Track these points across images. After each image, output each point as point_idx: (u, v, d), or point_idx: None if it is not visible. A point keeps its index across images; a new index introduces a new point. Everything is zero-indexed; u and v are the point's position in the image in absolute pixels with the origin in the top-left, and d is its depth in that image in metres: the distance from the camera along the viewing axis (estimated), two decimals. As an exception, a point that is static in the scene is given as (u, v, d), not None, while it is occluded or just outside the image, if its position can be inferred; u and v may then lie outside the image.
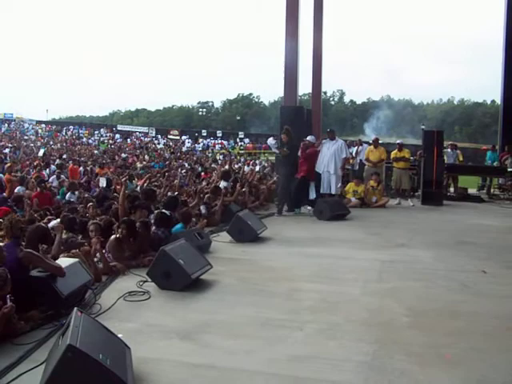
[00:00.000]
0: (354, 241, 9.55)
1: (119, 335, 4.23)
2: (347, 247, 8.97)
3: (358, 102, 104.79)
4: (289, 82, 16.87)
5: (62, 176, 16.29)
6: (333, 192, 13.66)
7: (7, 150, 29.92)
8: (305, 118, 14.59)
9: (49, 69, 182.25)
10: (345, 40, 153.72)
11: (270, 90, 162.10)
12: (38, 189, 12.49)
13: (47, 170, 19.47)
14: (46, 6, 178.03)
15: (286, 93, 17.14)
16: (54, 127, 64.61)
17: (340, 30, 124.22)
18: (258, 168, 23.09)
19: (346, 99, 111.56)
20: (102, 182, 14.54)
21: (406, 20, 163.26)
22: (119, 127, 67.29)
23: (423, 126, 43.62)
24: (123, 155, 29.32)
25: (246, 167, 23.86)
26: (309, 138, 13.41)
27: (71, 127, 66.36)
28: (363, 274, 7.23)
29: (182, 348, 4.63)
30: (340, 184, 14.00)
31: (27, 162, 21.57)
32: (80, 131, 62.29)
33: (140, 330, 5.00)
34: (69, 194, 13.27)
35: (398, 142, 16.62)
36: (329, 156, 13.82)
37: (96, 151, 35.26)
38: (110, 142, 49.75)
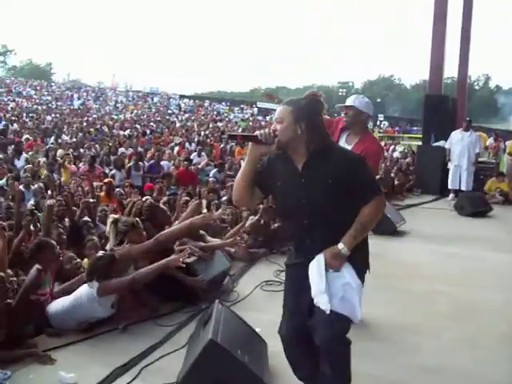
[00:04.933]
0: (497, 241, 9.01)
1: (257, 329, 4.32)
2: (489, 248, 8.47)
3: (505, 87, 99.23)
4: (434, 68, 16.06)
5: (203, 153, 16.67)
6: (463, 188, 13.05)
7: (152, 124, 30.98)
8: (450, 108, 14.01)
9: (191, 46, 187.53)
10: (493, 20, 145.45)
11: (411, 72, 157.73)
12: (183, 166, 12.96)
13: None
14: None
15: (430, 78, 16.41)
16: (196, 102, 66.36)
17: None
18: (396, 154, 22.48)
19: (492, 84, 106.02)
20: None
21: None
22: (259, 104, 68.02)
23: None
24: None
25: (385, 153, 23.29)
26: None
27: (207, 101, 67.62)
28: (507, 279, 6.83)
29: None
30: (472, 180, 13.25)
31: (170, 137, 22.19)
32: (221, 107, 63.56)
33: (275, 322, 5.06)
34: (214, 171, 13.69)
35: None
36: (461, 149, 13.09)
37: (237, 128, 35.76)
38: (250, 119, 50.33)
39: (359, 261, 3.24)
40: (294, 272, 3.39)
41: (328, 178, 3.09)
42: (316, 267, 3.11)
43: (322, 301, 3.07)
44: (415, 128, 48.05)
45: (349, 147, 4.62)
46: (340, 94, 79.93)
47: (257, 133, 3.15)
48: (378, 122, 53.17)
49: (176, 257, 5.03)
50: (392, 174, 14.26)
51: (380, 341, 4.84)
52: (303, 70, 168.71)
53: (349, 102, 4.82)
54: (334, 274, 3.11)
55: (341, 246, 3.08)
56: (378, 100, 78.92)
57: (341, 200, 3.11)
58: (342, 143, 4.77)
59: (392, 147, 25.65)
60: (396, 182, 13.75)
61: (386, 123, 53.04)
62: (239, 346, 3.66)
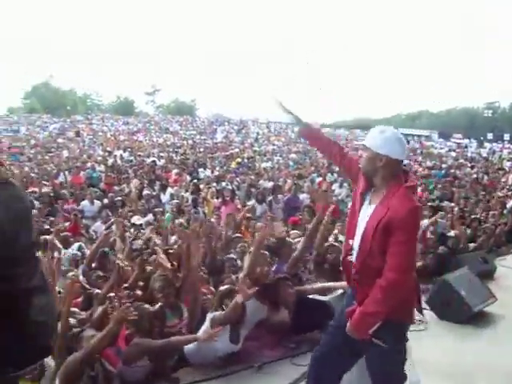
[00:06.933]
0: None
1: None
2: None
3: None
4: None
5: (345, 184, 16.22)
6: None
7: (294, 155, 29.96)
8: None
9: (328, 72, 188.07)
10: None
11: None
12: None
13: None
14: None
15: None
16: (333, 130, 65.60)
17: None
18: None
19: None
20: None
21: None
22: (400, 130, 66.36)
23: None
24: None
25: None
26: None
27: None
28: None
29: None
30: None
31: (312, 168, 21.74)
32: (360, 133, 62.18)
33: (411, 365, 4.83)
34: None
35: None
36: None
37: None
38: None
39: None
40: None
41: None
42: None
43: None
44: None
45: (370, 210, 3.17)
46: (485, 115, 76.15)
47: None
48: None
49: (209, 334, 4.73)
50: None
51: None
52: (446, 92, 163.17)
53: (365, 139, 3.41)
54: None
55: None
56: (529, 120, 74.60)
57: None
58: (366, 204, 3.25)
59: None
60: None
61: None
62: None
